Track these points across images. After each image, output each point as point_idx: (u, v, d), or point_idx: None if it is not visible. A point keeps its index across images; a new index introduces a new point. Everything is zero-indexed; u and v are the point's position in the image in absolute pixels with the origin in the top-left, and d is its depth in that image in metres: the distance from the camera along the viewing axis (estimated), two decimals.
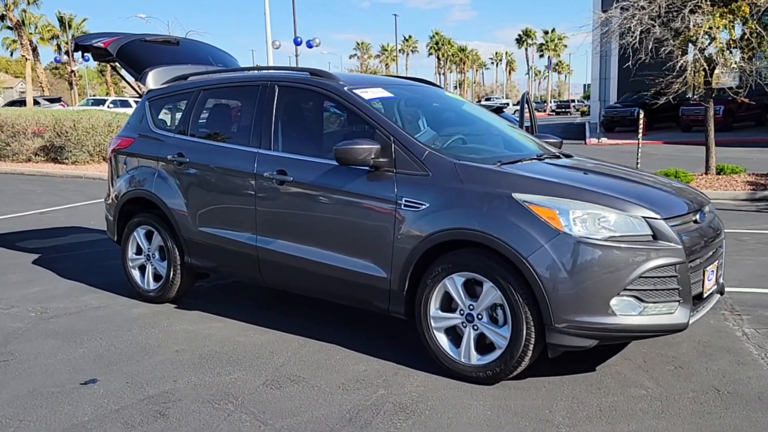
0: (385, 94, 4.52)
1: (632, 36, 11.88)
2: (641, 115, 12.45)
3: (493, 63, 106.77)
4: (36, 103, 35.39)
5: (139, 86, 5.85)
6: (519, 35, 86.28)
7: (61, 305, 5.40)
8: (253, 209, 4.61)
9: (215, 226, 4.88)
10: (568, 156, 4.64)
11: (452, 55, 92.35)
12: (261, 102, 4.71)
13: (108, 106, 31.91)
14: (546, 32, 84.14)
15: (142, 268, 5.51)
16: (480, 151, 4.54)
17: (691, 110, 25.31)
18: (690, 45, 12.15)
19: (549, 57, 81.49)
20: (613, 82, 35.07)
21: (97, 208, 10.43)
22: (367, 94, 4.39)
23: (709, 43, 11.51)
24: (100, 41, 5.79)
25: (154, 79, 5.67)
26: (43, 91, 48.82)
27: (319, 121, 4.82)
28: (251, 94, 4.83)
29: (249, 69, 5.19)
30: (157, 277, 5.41)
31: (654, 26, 11.62)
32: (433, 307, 3.86)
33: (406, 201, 3.90)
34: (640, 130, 12.32)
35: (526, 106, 7.43)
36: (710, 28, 11.13)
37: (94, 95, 53.37)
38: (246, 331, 4.74)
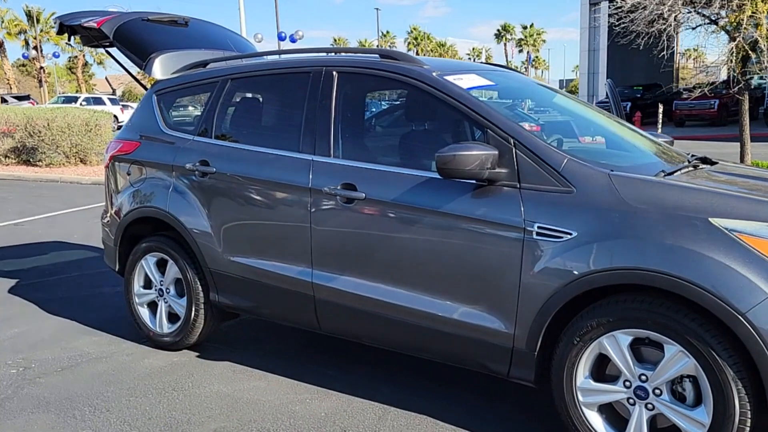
0: (483, 81, 3.43)
1: (663, 23, 10.96)
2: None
3: (470, 58, 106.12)
4: (3, 101, 33.63)
5: (142, 77, 4.68)
6: (498, 30, 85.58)
7: (49, 356, 4.23)
8: (307, 235, 3.50)
9: (253, 256, 3.75)
10: (710, 161, 3.58)
11: (431, 50, 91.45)
12: (315, 94, 3.59)
13: (81, 104, 30.34)
14: (525, 27, 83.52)
15: (152, 306, 4.37)
16: (619, 156, 3.47)
17: (685, 105, 24.76)
18: (724, 33, 11.27)
19: (528, 52, 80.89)
20: (602, 77, 34.41)
21: (78, 218, 9.20)
22: (463, 81, 3.30)
23: (755, 30, 10.60)
24: (91, 20, 4.60)
25: (162, 67, 4.51)
26: (11, 88, 46.86)
27: (400, 119, 3.71)
28: (300, 84, 3.71)
29: (290, 52, 4.06)
30: (172, 318, 4.27)
31: (688, 11, 10.72)
32: (582, 375, 2.79)
33: (540, 228, 2.82)
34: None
35: (612, 96, 6.35)
36: (753, 14, 10.23)
37: (63, 93, 51.42)
38: (300, 393, 3.63)
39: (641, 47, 11.57)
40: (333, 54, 3.96)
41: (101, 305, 5.26)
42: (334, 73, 3.57)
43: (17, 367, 4.06)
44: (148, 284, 4.39)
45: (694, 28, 10.83)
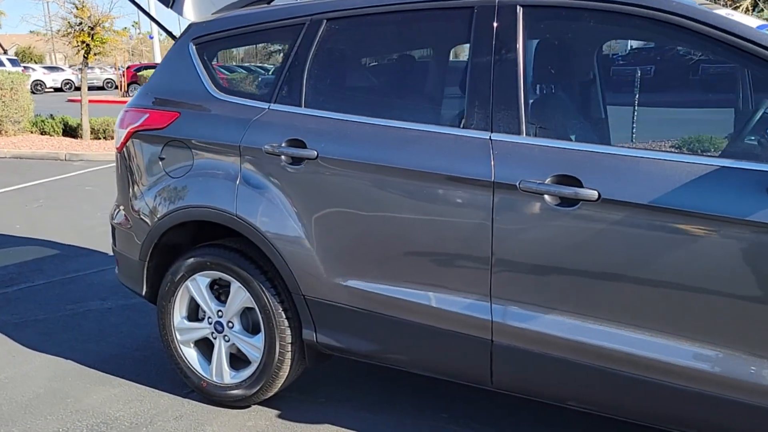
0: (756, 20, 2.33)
1: None
2: None
3: None
4: None
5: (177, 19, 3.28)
6: None
7: (57, 427, 2.89)
8: (484, 252, 2.34)
9: (382, 280, 2.56)
10: None
11: None
12: (485, 41, 2.40)
13: None
14: None
15: (202, 345, 3.09)
16: None
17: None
18: None
19: None
20: None
21: (10, 202, 7.58)
22: (740, 18, 2.19)
23: None
24: None
25: (197, 5, 3.17)
26: None
27: (649, 80, 2.55)
28: (456, 25, 2.52)
29: None
30: (237, 362, 3.01)
31: None
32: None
33: None
34: None
35: None
36: None
37: None
38: None
39: None
40: None
41: (97, 332, 3.90)
42: (518, 7, 2.38)
43: None
44: (195, 314, 3.11)
45: None
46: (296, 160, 2.68)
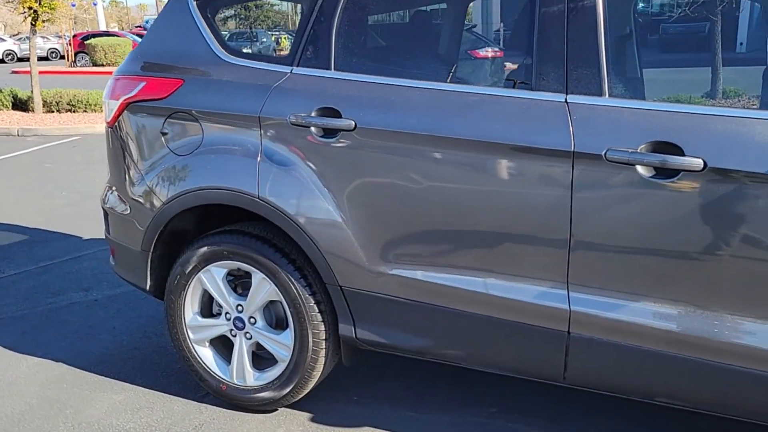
0: None
1: None
2: None
3: None
4: None
5: None
6: None
7: None
8: (560, 234, 2.04)
9: (442, 268, 2.25)
10: None
11: None
12: None
13: None
14: None
15: (219, 344, 2.74)
16: None
17: None
18: None
19: None
20: None
21: None
22: None
23: None
24: None
25: None
26: None
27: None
28: None
29: None
30: (260, 361, 2.68)
31: None
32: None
33: None
34: None
35: None
36: None
37: None
38: None
39: None
40: None
41: (86, 329, 3.51)
42: None
43: None
44: (208, 309, 2.75)
45: None
46: (329, 132, 2.33)
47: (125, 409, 2.74)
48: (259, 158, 2.44)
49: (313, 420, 2.64)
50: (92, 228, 5.30)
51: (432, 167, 2.21)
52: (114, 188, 2.90)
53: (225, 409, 2.71)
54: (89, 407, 2.75)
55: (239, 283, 2.69)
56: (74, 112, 12.16)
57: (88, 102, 12.18)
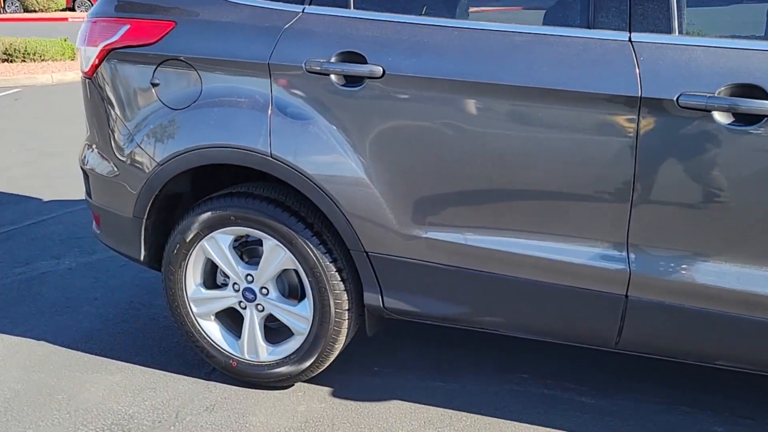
0: None
1: None
2: None
3: None
4: None
5: None
6: None
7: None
8: (624, 189, 1.86)
9: (483, 230, 2.05)
10: None
11: None
12: None
13: None
14: None
15: (225, 317, 2.50)
16: None
17: None
18: None
19: None
20: None
21: None
22: None
23: None
24: None
25: None
26: None
27: None
28: None
29: None
30: (271, 334, 2.45)
31: None
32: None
33: None
34: None
35: None
36: None
37: None
38: None
39: None
40: None
41: (64, 301, 3.21)
42: None
43: None
44: (212, 280, 2.50)
45: None
46: (353, 80, 2.06)
47: (125, 391, 2.49)
48: (269, 111, 2.16)
49: (334, 395, 2.44)
50: (52, 188, 4.92)
51: (472, 118, 1.98)
52: (94, 147, 2.58)
53: (236, 387, 2.49)
54: (83, 391, 2.49)
55: (245, 251, 2.44)
56: (11, 62, 11.38)
57: (26, 51, 11.40)
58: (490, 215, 2.04)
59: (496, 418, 2.28)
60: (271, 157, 2.16)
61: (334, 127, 2.11)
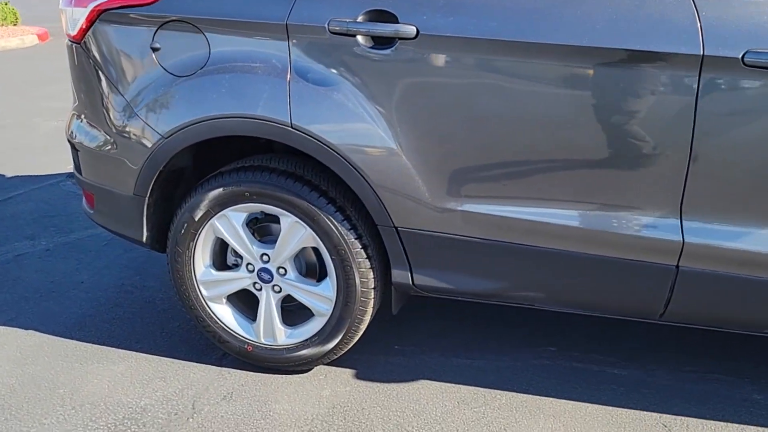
0: None
1: None
2: None
3: None
4: None
5: None
6: None
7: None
8: (680, 154, 1.76)
9: (524, 201, 1.93)
10: None
11: None
12: None
13: None
14: None
15: (235, 300, 2.34)
16: None
17: None
18: None
19: None
20: None
21: None
22: None
23: None
24: None
25: None
26: None
27: None
28: None
29: None
30: (292, 317, 2.31)
31: None
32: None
33: None
34: None
35: None
36: None
37: None
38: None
39: None
40: None
41: (48, 285, 3.00)
42: None
43: None
44: (222, 261, 2.33)
45: None
46: (383, 42, 1.90)
47: (132, 381, 2.32)
48: (288, 77, 1.98)
49: (358, 377, 2.32)
50: (12, 163, 4.61)
51: (515, 81, 1.84)
52: (84, 117, 2.36)
53: (252, 373, 2.34)
54: (86, 383, 2.31)
55: (256, 229, 2.27)
56: None
57: None
58: (532, 185, 1.92)
59: (530, 395, 2.20)
60: (292, 127, 1.99)
61: (361, 94, 1.95)
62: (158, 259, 3.13)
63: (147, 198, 2.24)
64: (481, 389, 2.24)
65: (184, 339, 2.55)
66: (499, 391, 2.22)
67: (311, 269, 2.27)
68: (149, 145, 2.15)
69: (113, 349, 2.51)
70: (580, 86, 1.79)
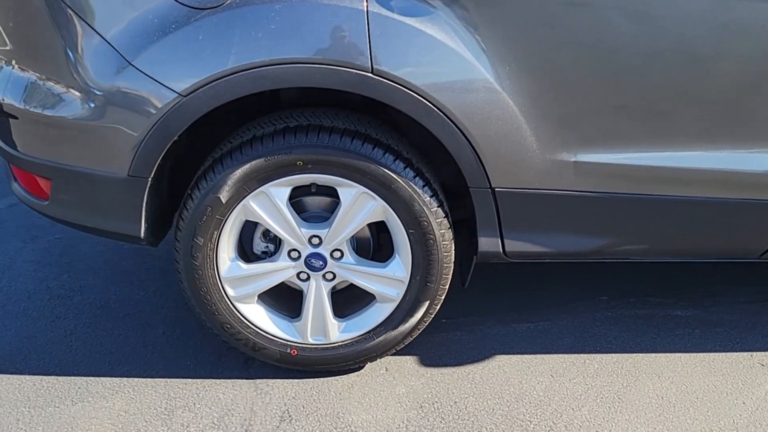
0: None
1: None
2: None
3: None
4: None
5: None
6: None
7: None
8: None
9: (651, 145, 1.68)
10: None
11: None
12: None
13: None
14: None
15: (268, 296, 1.86)
16: None
17: None
18: None
19: None
20: None
21: None
22: None
23: None
24: None
25: None
26: None
27: None
28: None
29: None
30: (340, 308, 1.89)
31: None
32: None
33: None
34: None
35: None
36: None
37: None
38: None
39: None
40: None
41: (30, 279, 2.23)
42: None
43: None
44: (244, 251, 1.84)
45: None
46: None
47: (143, 418, 1.77)
48: (365, 6, 1.51)
49: (424, 364, 1.98)
50: None
51: (645, 9, 1.55)
52: (26, 66, 1.68)
53: (293, 381, 1.91)
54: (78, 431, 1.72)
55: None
56: None
57: None
58: (659, 127, 1.67)
59: (615, 354, 2.03)
60: (373, 73, 1.53)
61: (460, 28, 1.54)
62: (88, 244, 2.46)
63: (151, 179, 1.65)
64: (565, 356, 2.01)
65: (190, 351, 2.00)
66: (583, 355, 2.01)
67: (363, 250, 1.86)
68: (158, 106, 1.56)
69: (95, 379, 1.90)
70: (716, 9, 1.55)
